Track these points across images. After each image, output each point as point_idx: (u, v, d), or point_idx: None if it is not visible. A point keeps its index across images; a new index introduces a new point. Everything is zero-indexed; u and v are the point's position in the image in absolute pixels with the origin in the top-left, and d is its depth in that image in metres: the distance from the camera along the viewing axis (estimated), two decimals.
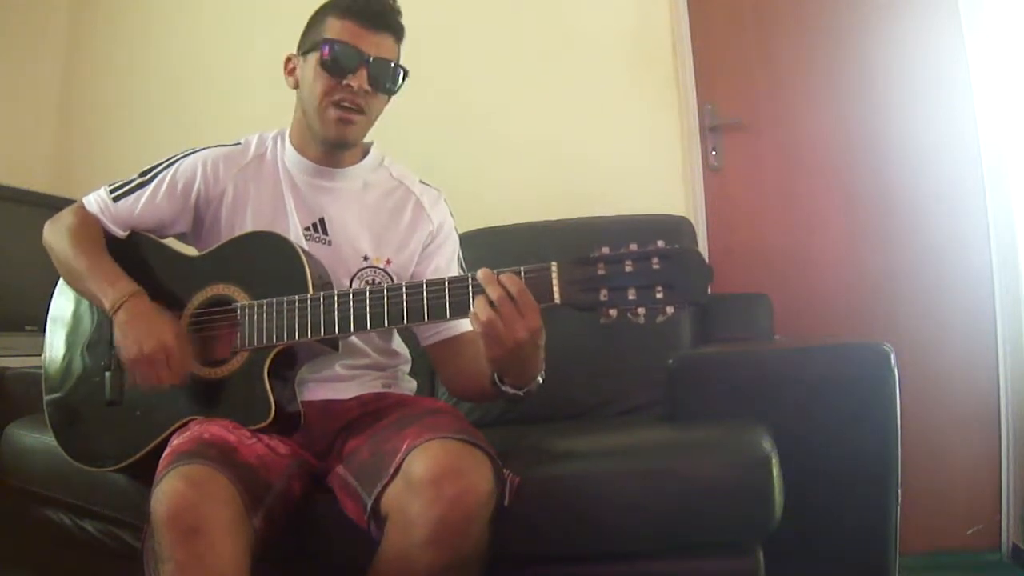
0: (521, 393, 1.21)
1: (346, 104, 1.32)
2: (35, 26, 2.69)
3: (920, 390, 1.93)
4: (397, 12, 1.36)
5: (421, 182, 1.47)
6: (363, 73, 1.31)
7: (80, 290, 1.37)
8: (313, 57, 1.33)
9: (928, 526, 2.05)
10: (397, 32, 1.36)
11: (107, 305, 1.27)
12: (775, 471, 1.18)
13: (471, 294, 1.12)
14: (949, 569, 2.04)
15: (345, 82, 1.31)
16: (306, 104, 1.37)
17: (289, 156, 1.42)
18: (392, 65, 1.34)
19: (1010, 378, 2.12)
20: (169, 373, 1.23)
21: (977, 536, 2.11)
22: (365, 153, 1.45)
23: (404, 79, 1.37)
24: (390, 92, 1.37)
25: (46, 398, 1.40)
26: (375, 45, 1.32)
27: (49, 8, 2.73)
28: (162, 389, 1.24)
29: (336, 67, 1.31)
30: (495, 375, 1.21)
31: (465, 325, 1.34)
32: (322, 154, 1.40)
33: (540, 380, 1.21)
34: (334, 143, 1.36)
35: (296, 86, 1.39)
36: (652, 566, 1.22)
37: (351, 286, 1.35)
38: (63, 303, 1.45)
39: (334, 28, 1.32)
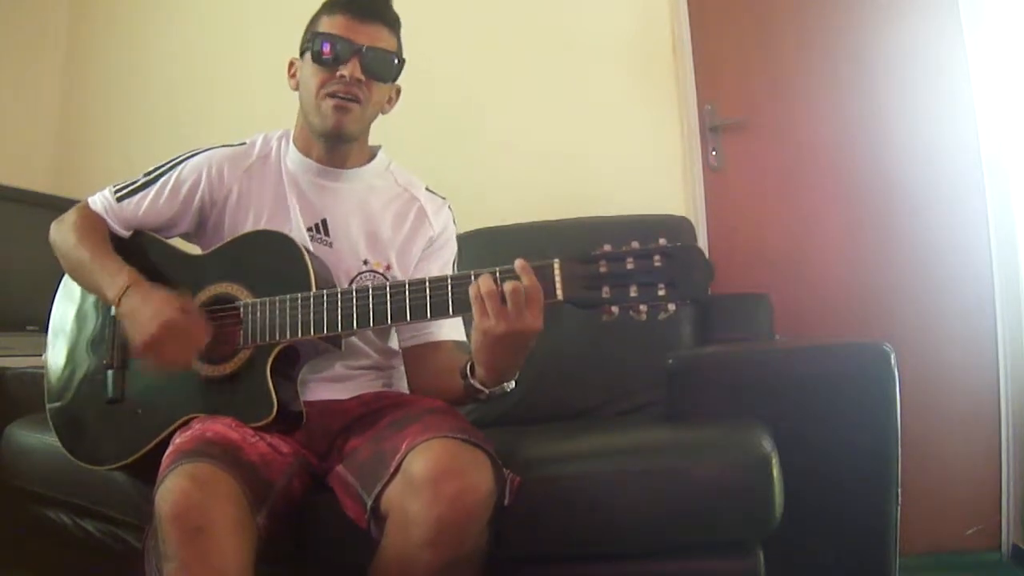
0: (486, 391, 1.21)
1: (341, 95, 1.32)
2: (36, 26, 2.70)
3: (920, 390, 1.93)
4: (386, 1, 1.37)
5: (427, 190, 1.48)
6: (355, 63, 1.32)
7: (84, 283, 1.37)
8: (308, 55, 1.35)
9: (928, 526, 2.05)
10: (390, 22, 1.37)
11: (110, 295, 1.27)
12: (775, 471, 1.18)
13: None
14: (949, 569, 2.03)
15: (339, 73, 1.32)
16: (304, 101, 1.38)
17: (292, 157, 1.42)
18: (386, 53, 1.35)
19: (1010, 378, 2.12)
20: (179, 352, 1.20)
21: (977, 536, 2.10)
22: (371, 157, 1.45)
23: (401, 67, 1.38)
24: (386, 80, 1.37)
25: (48, 397, 1.40)
26: (367, 35, 1.33)
27: (49, 8, 2.73)
28: (178, 366, 1.21)
29: (328, 59, 1.32)
30: (468, 366, 1.21)
31: (446, 334, 1.36)
32: (325, 154, 1.40)
33: (508, 388, 1.22)
34: (332, 133, 1.35)
35: (297, 88, 1.40)
36: (652, 566, 1.22)
37: None
38: (65, 304, 1.46)
39: (325, 24, 1.35)
